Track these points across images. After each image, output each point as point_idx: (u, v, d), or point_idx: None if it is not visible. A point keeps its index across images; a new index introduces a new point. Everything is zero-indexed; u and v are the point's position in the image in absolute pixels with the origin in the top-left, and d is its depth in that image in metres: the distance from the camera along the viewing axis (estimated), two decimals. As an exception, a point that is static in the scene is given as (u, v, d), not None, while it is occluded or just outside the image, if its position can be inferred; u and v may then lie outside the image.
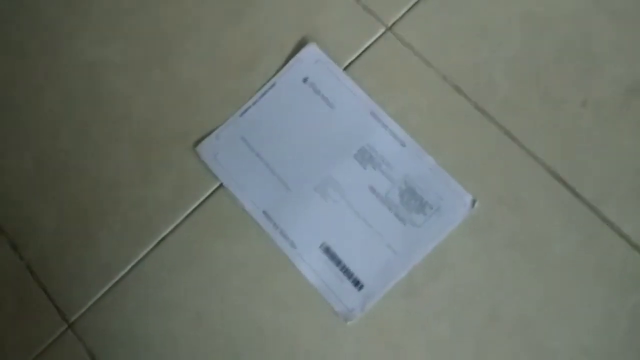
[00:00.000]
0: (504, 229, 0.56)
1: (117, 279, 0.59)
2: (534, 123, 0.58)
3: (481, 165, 0.57)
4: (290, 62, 0.62)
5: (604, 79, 0.58)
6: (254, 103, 0.62)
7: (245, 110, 0.62)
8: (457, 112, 0.59)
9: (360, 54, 0.62)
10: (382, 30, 0.62)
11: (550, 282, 0.54)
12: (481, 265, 0.55)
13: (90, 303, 0.58)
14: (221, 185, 0.60)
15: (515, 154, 0.57)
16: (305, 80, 0.61)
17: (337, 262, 0.57)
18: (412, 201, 0.57)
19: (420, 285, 0.55)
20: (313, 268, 0.57)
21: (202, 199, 0.60)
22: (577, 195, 0.55)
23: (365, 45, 0.62)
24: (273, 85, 0.62)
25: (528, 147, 0.57)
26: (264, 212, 0.59)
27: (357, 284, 0.56)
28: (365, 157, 0.59)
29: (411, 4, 0.62)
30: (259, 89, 0.62)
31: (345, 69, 0.62)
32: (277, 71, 0.62)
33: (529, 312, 0.53)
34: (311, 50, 0.62)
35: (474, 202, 0.56)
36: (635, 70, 0.57)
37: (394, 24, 0.62)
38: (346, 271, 0.56)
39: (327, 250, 0.57)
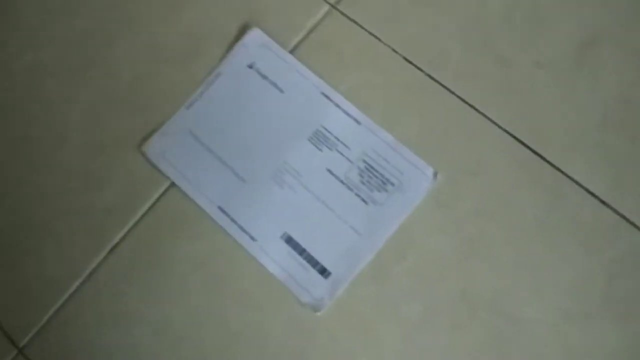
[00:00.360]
0: (470, 198, 0.53)
1: (69, 293, 0.55)
2: (490, 88, 0.56)
3: (440, 136, 0.55)
4: (234, 49, 0.59)
5: (556, 36, 0.56)
6: (200, 95, 0.59)
7: (192, 104, 0.59)
8: (411, 84, 0.57)
9: (307, 35, 0.59)
10: (326, 8, 0.60)
11: (523, 248, 0.52)
12: (449, 239, 0.53)
13: (41, 323, 0.54)
14: (172, 184, 0.57)
15: (474, 121, 0.55)
16: (251, 66, 0.59)
17: (300, 251, 0.54)
18: (373, 179, 0.54)
19: (388, 266, 0.53)
20: (276, 260, 0.54)
21: (152, 200, 0.57)
22: (540, 156, 0.53)
23: (311, 25, 0.60)
24: (218, 74, 0.59)
25: (486, 112, 0.55)
26: (220, 208, 0.56)
27: (324, 271, 0.53)
28: (320, 139, 0.56)
29: (353, -22, 0.60)
30: (204, 80, 0.59)
31: (292, 51, 0.59)
32: (222, 60, 0.59)
33: (503, 281, 0.51)
34: (255, 35, 0.59)
35: (435, 174, 0.54)
36: (585, 24, 0.56)
37: (338, 1, 0.60)
38: (310, 260, 0.54)
39: (289, 240, 0.54)
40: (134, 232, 0.56)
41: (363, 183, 0.55)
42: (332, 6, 0.60)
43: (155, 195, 0.57)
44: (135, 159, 0.58)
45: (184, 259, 0.55)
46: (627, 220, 0.51)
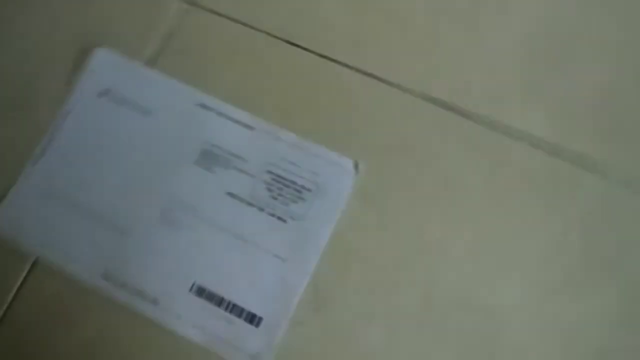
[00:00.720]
0: (404, 181, 0.44)
1: None
2: (389, 49, 0.47)
3: (349, 121, 0.46)
4: (80, 78, 0.48)
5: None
6: (48, 144, 0.46)
7: (39, 157, 0.46)
8: (301, 69, 0.47)
9: (165, 42, 0.49)
10: (184, 6, 0.50)
11: (478, 227, 0.43)
12: (393, 236, 0.43)
13: None
14: (37, 260, 0.44)
15: (381, 94, 0.46)
16: (105, 93, 0.47)
17: (218, 301, 0.42)
18: (285, 191, 0.44)
19: (330, 289, 0.42)
20: (190, 321, 0.42)
21: (16, 286, 0.44)
22: (464, 114, 0.45)
23: (167, 30, 0.49)
24: (66, 114, 0.47)
25: (391, 79, 0.46)
26: (104, 275, 0.43)
27: (253, 319, 0.42)
28: (210, 159, 0.45)
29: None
30: (50, 125, 0.47)
31: (150, 64, 0.48)
32: (67, 96, 0.48)
33: (467, 271, 0.42)
34: (102, 56, 0.48)
35: (356, 165, 0.44)
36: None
37: (194, -4, 0.50)
38: (233, 309, 0.42)
39: (201, 291, 0.43)
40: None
41: (274, 198, 0.44)
42: (190, 3, 0.50)
43: (18, 280, 0.44)
44: (-21, 242, 0.45)
45: (74, 349, 0.42)
46: (583, 166, 0.44)
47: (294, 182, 0.44)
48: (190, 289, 0.43)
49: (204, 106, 0.46)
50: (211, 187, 0.45)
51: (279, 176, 0.45)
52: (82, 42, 0.49)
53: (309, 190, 0.44)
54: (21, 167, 0.46)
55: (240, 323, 0.42)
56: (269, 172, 0.45)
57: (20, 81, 0.48)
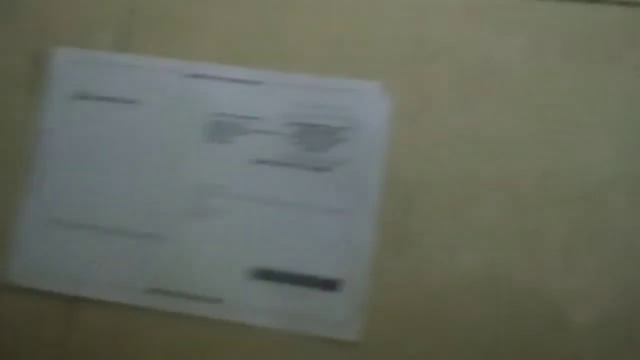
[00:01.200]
0: (440, 86, 0.39)
1: None
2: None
3: (358, 40, 0.40)
4: (46, 88, 0.41)
5: None
6: (36, 170, 0.40)
7: (33, 187, 0.40)
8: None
9: (130, 20, 0.42)
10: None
11: (525, 107, 0.39)
12: (450, 146, 0.38)
13: None
14: (71, 300, 0.38)
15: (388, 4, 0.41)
16: (79, 95, 0.41)
17: (285, 278, 0.37)
18: (318, 137, 0.39)
19: (402, 225, 0.38)
20: (263, 309, 0.37)
21: (58, 338, 0.38)
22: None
23: (129, 6, 0.42)
24: (45, 131, 0.41)
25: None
26: (150, 290, 0.38)
27: (329, 284, 0.37)
28: (222, 130, 0.39)
29: None
30: (31, 150, 0.40)
31: (121, 50, 0.42)
32: (39, 110, 0.41)
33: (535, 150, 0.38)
34: (62, 57, 0.41)
35: (386, 86, 0.39)
36: None
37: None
38: (304, 280, 0.37)
39: (262, 273, 0.37)
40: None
41: (309, 149, 0.39)
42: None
43: (58, 328, 0.38)
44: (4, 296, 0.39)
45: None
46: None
47: (324, 126, 0.39)
48: (249, 275, 0.38)
49: (194, 75, 0.40)
50: (234, 160, 0.39)
51: (305, 124, 0.39)
52: (38, 48, 0.42)
53: (343, 128, 0.39)
54: (14, 206, 0.40)
55: (317, 293, 0.37)
56: (293, 123, 0.39)
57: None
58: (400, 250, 0.37)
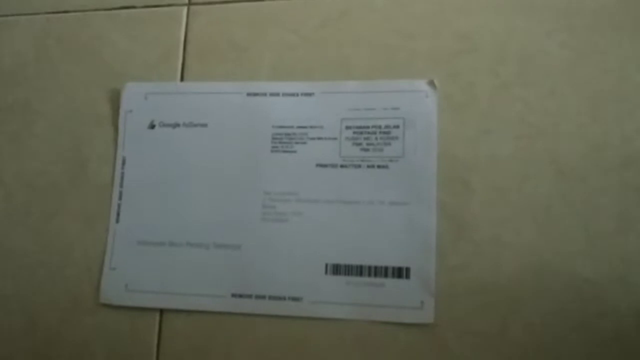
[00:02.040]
0: (487, 75, 0.42)
1: None
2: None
3: (401, 39, 0.43)
4: (120, 120, 0.45)
5: None
6: (121, 196, 0.44)
7: (118, 214, 0.44)
8: (329, 15, 0.45)
9: (184, 51, 0.46)
10: (184, 10, 0.47)
11: (566, 88, 0.40)
12: (501, 133, 0.40)
13: None
14: (162, 312, 0.42)
15: None
16: (152, 125, 0.45)
17: (359, 270, 0.40)
18: (372, 138, 0.42)
19: (462, 210, 0.40)
20: (342, 302, 0.40)
21: (155, 344, 0.42)
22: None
23: (180, 38, 0.46)
24: (124, 162, 0.45)
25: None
26: (235, 295, 0.41)
27: (400, 272, 0.39)
28: (284, 141, 0.43)
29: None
30: (115, 178, 0.45)
31: (183, 78, 0.46)
32: (117, 143, 0.45)
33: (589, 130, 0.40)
34: (132, 91, 0.46)
35: (431, 82, 0.42)
36: None
37: (191, -3, 0.47)
38: (376, 271, 0.40)
39: (337, 269, 0.40)
40: (160, 399, 0.41)
41: (365, 149, 0.42)
42: (188, 4, 0.47)
43: (150, 339, 0.42)
44: (98, 314, 0.43)
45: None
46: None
47: (377, 127, 0.42)
48: (326, 271, 0.40)
49: (253, 94, 0.44)
50: (299, 167, 0.42)
51: (360, 127, 0.42)
52: (111, 85, 0.46)
53: (396, 127, 0.41)
54: (105, 231, 0.44)
55: (390, 282, 0.39)
56: (348, 127, 0.42)
57: (69, 149, 0.46)
58: (462, 233, 0.39)
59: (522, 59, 0.41)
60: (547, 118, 0.40)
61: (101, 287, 0.43)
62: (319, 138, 0.42)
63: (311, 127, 0.43)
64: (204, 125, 0.44)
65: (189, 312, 0.41)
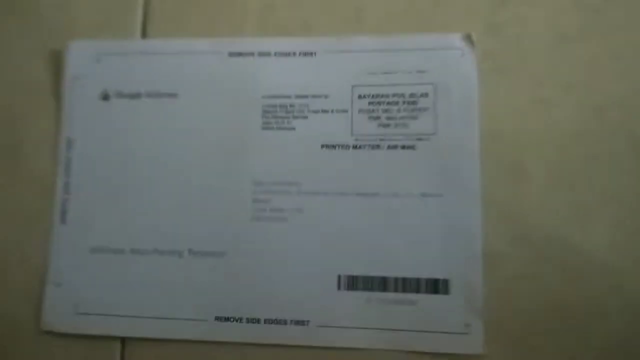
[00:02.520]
0: (534, 31, 0.32)
1: None
2: None
3: (431, -13, 0.33)
4: (64, 94, 0.35)
5: None
6: (67, 190, 0.34)
7: (64, 213, 0.34)
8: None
9: (149, 5, 0.36)
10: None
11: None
12: (555, 106, 0.31)
13: None
14: (122, 341, 0.32)
15: None
16: (105, 96, 0.34)
17: (381, 284, 0.31)
18: (394, 110, 0.32)
19: (515, 202, 0.31)
20: (361, 326, 0.30)
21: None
22: None
23: (143, -13, 0.36)
24: (70, 143, 0.34)
25: None
26: (216, 321, 0.31)
27: (437, 285, 0.30)
28: (279, 114, 0.33)
29: None
30: (59, 167, 0.34)
31: (143, 36, 0.35)
32: (60, 118, 0.35)
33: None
34: (78, 53, 0.35)
35: (468, 37, 0.32)
36: None
37: None
38: (405, 284, 0.30)
39: (354, 283, 0.31)
40: None
41: (385, 125, 0.32)
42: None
43: (114, 375, 0.32)
44: (40, 347, 0.33)
45: None
46: None
47: (400, 95, 0.32)
48: (339, 286, 0.31)
49: (236, 54, 0.34)
50: (299, 148, 0.32)
51: (377, 96, 0.32)
52: (49, 46, 0.36)
53: (424, 95, 0.32)
54: (46, 235, 0.34)
55: (424, 299, 0.30)
56: (361, 96, 0.32)
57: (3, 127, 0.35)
58: (517, 233, 0.30)
59: (588, 5, 0.32)
60: (621, 82, 0.31)
61: (43, 308, 0.33)
62: (324, 111, 0.32)
63: (313, 96, 0.33)
64: (173, 95, 0.34)
65: (159, 340, 0.32)
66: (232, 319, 0.31)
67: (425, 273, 0.30)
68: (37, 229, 0.34)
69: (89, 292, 0.33)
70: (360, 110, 0.32)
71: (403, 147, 0.32)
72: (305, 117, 0.32)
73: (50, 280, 0.33)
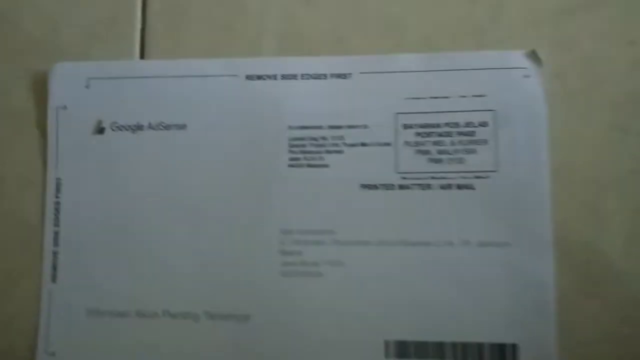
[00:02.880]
0: (608, 44, 0.27)
1: None
2: None
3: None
4: (49, 126, 0.29)
5: None
6: (58, 242, 0.29)
7: (55, 269, 0.28)
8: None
9: (143, 13, 0.30)
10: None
11: None
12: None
13: None
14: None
15: None
16: (100, 129, 0.29)
17: (439, 351, 0.26)
18: (447, 142, 0.27)
19: (594, 249, 0.26)
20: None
21: None
22: None
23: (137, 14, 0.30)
24: (61, 183, 0.29)
25: None
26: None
27: (503, 352, 0.26)
28: (308, 148, 0.28)
29: None
30: (46, 215, 0.29)
31: (142, 56, 0.30)
32: (48, 156, 0.29)
33: None
34: (65, 76, 0.29)
35: (532, 53, 0.27)
36: None
37: None
38: (466, 351, 0.26)
39: (404, 350, 0.26)
40: None
41: (436, 161, 0.27)
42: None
43: None
44: None
45: None
46: None
47: (454, 124, 0.27)
48: (387, 354, 0.26)
49: (255, 77, 0.28)
50: (333, 189, 0.27)
51: (425, 126, 0.27)
52: (32, 68, 0.30)
53: (483, 124, 0.27)
54: (36, 295, 0.28)
55: (488, 368, 0.26)
56: (408, 126, 0.27)
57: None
58: (598, 289, 0.26)
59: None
60: None
61: (32, 377, 0.28)
62: (363, 144, 0.27)
63: (349, 126, 0.28)
64: (182, 127, 0.28)
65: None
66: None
67: (489, 337, 0.26)
68: (23, 289, 0.29)
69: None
70: (406, 143, 0.27)
71: (459, 186, 0.27)
72: (341, 152, 0.27)
73: (42, 349, 0.28)
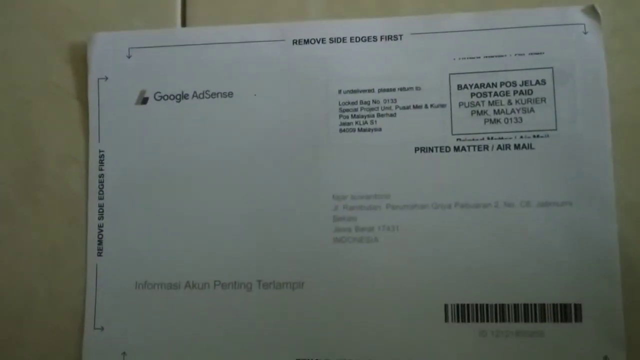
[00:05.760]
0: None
1: None
2: None
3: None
4: (90, 98, 0.29)
5: None
6: (101, 220, 0.28)
7: (100, 243, 0.28)
8: None
9: (185, -17, 0.30)
10: None
11: None
12: None
13: None
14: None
15: None
16: (144, 99, 0.28)
17: (499, 313, 0.25)
18: (504, 102, 0.26)
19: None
20: (475, 366, 0.25)
21: None
22: None
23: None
24: (101, 160, 0.28)
25: None
26: (302, 363, 0.26)
27: (567, 312, 0.25)
28: (359, 112, 0.27)
29: None
30: (91, 189, 0.28)
31: (184, 23, 0.29)
32: (90, 132, 0.29)
33: None
34: (105, 46, 0.29)
35: (592, 8, 0.26)
36: None
37: None
38: (528, 312, 0.25)
39: (465, 312, 0.25)
40: None
41: (493, 121, 0.26)
42: None
43: None
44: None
45: None
46: None
47: (511, 83, 0.26)
48: (446, 317, 0.25)
49: (302, 42, 0.28)
50: (387, 153, 0.27)
51: (480, 86, 0.26)
52: (70, 40, 0.29)
53: (541, 82, 0.26)
54: (82, 269, 0.28)
55: (552, 329, 0.25)
56: (462, 86, 0.27)
57: (12, 144, 0.29)
58: (665, 247, 0.25)
59: None
60: None
61: (84, 358, 0.27)
62: (416, 106, 0.27)
63: (401, 89, 0.27)
64: (228, 94, 0.28)
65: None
66: (320, 366, 0.26)
67: (552, 298, 0.25)
68: (69, 264, 0.28)
69: (138, 337, 0.27)
70: (461, 104, 0.26)
71: (517, 146, 0.26)
72: (393, 115, 0.27)
73: (90, 324, 0.27)
